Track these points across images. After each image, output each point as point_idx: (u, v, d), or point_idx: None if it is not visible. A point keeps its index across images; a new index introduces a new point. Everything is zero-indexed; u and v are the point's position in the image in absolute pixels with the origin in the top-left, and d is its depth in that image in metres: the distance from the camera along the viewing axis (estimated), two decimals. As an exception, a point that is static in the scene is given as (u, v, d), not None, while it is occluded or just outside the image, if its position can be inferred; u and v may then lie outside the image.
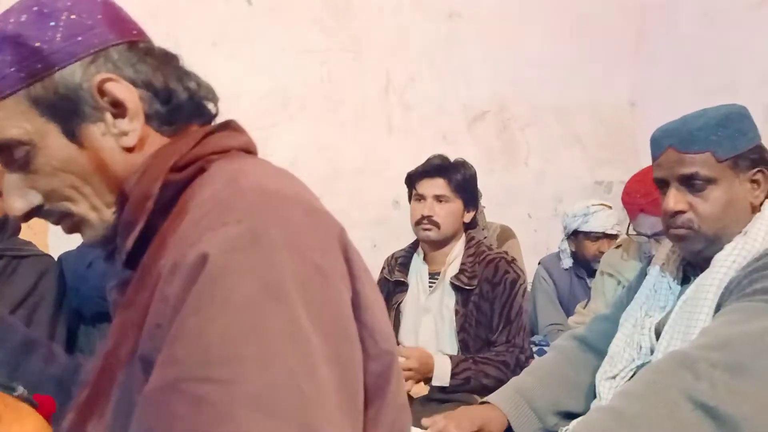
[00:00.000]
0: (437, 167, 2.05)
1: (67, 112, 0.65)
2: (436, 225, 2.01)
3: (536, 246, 3.30)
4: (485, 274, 1.98)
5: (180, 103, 0.69)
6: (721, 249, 1.20)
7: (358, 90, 3.00)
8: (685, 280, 1.31)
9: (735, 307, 1.10)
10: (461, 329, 1.96)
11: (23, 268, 1.88)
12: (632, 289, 1.42)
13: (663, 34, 3.53)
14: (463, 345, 1.97)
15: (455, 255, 2.04)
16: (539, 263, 2.85)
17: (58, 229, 0.71)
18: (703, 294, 1.18)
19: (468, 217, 2.08)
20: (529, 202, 3.39)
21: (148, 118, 0.68)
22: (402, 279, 2.08)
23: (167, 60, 0.70)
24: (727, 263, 1.17)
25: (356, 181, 2.89)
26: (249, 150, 0.71)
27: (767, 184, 1.22)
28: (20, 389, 0.62)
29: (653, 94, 3.54)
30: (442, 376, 1.86)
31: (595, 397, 1.31)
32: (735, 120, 1.20)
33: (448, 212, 2.02)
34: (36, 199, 0.68)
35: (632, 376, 1.25)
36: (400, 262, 2.13)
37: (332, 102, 2.89)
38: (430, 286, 2.04)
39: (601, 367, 1.33)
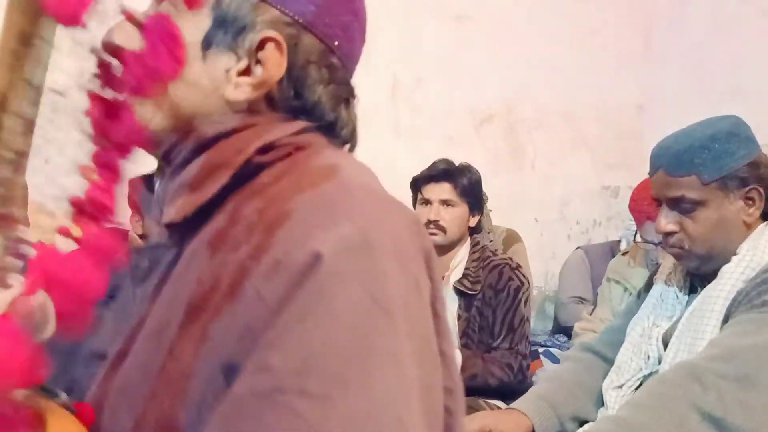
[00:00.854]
0: (443, 171, 2.05)
1: (228, 27, 0.61)
2: (443, 229, 2.01)
3: (542, 250, 3.29)
4: (489, 280, 1.98)
5: (318, 115, 0.64)
6: (718, 264, 1.21)
7: (365, 92, 2.97)
8: (692, 290, 1.31)
9: (744, 318, 1.10)
10: (463, 334, 1.96)
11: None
12: (641, 298, 1.42)
13: (671, 38, 3.52)
14: (466, 350, 1.97)
15: (459, 259, 2.04)
16: (578, 248, 2.86)
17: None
18: (710, 305, 1.18)
19: (473, 222, 2.08)
20: (535, 205, 3.38)
21: (270, 99, 0.63)
22: (408, 283, 2.08)
23: (344, 85, 0.66)
24: (735, 275, 1.17)
25: (363, 182, 2.89)
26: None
27: (762, 201, 1.21)
28: (63, 396, 0.60)
29: (661, 98, 3.53)
30: None
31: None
32: (721, 140, 1.19)
33: (454, 216, 2.02)
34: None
35: (639, 386, 1.25)
36: (406, 265, 2.13)
37: (339, 104, 2.89)
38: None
39: (607, 377, 1.33)
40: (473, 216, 2.08)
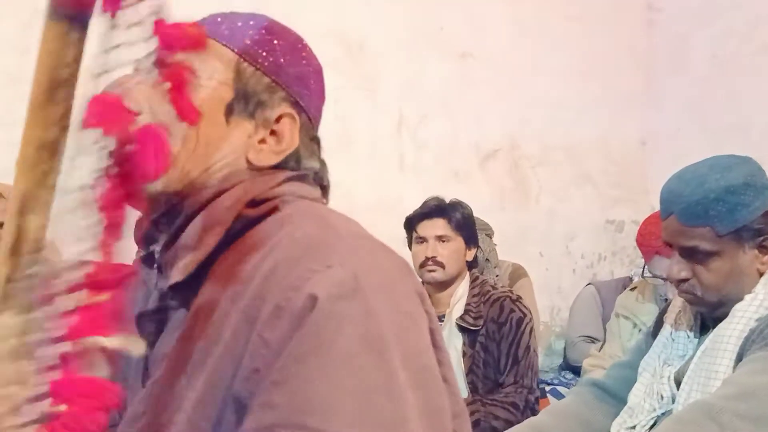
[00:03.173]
0: (436, 208, 2.06)
1: (248, 100, 0.70)
2: (441, 265, 2.01)
3: (548, 284, 3.28)
4: (491, 314, 1.97)
5: (311, 176, 0.73)
6: (730, 309, 1.20)
7: (371, 128, 3.03)
8: (703, 328, 1.30)
9: (759, 356, 1.10)
10: (469, 371, 1.95)
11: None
12: (650, 336, 1.41)
13: (673, 74, 3.56)
14: (472, 387, 1.95)
15: (460, 295, 2.03)
16: (589, 284, 2.84)
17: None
18: (722, 344, 1.17)
19: (470, 255, 2.08)
20: (540, 240, 3.38)
21: (276, 165, 0.71)
22: (410, 322, 2.07)
23: (319, 151, 0.76)
24: (748, 313, 1.17)
25: (369, 217, 2.85)
26: (316, 201, 0.73)
27: None
28: None
29: (663, 134, 3.55)
30: None
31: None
32: (736, 193, 1.17)
33: (451, 251, 2.03)
34: (138, 107, 0.67)
35: (653, 426, 1.23)
36: (408, 305, 2.11)
37: (345, 139, 2.91)
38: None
39: (619, 417, 1.31)
40: (469, 249, 2.08)
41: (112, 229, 0.60)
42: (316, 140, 0.75)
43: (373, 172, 3.01)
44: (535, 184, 3.43)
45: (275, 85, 0.71)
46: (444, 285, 2.05)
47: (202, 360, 0.60)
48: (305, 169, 0.72)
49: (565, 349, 2.77)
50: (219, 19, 0.72)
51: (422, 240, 2.05)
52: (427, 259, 2.02)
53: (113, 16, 0.58)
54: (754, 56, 3.14)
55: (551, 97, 3.40)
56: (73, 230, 0.59)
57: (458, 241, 2.04)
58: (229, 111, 0.69)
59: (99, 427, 0.54)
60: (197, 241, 0.65)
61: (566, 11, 3.49)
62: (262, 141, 0.70)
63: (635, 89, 3.66)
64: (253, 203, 0.67)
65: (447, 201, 2.10)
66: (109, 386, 0.55)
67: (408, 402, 0.53)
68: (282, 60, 0.71)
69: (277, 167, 0.70)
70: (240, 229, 0.66)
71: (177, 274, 0.65)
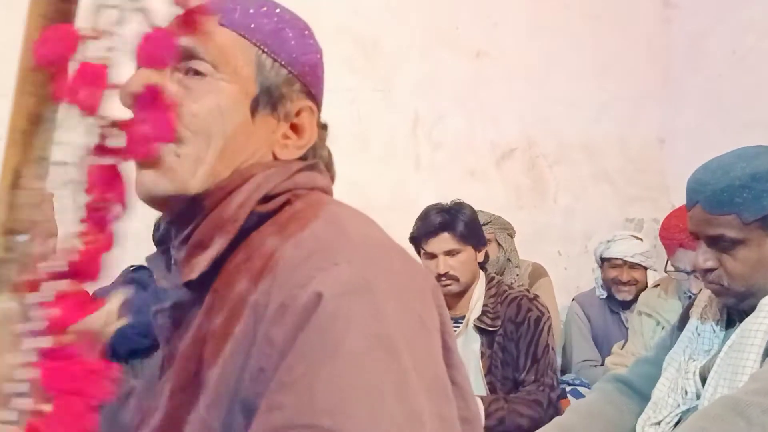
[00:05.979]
0: (439, 225, 2.00)
1: (270, 95, 0.68)
2: (455, 278, 1.98)
3: (566, 283, 3.26)
4: (508, 314, 1.96)
5: (318, 171, 0.71)
6: (757, 300, 1.18)
7: (386, 128, 3.03)
8: (729, 323, 1.28)
9: (786, 351, 1.08)
10: (488, 371, 1.94)
11: (59, 304, 1.90)
12: (675, 331, 1.39)
13: (690, 71, 3.52)
14: (491, 388, 1.93)
15: (477, 298, 2.01)
16: (573, 300, 2.82)
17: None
18: (750, 339, 1.16)
19: (481, 257, 2.05)
20: (558, 239, 3.36)
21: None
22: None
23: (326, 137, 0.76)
24: (775, 307, 1.15)
25: (385, 217, 2.84)
26: (327, 191, 0.72)
27: None
28: None
29: (682, 131, 3.52)
30: None
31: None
32: (762, 179, 1.16)
33: (462, 263, 1.99)
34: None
35: (678, 422, 1.22)
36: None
37: (361, 139, 2.91)
38: (454, 331, 2.01)
39: (643, 413, 1.30)
40: (479, 252, 2.05)
41: (101, 212, 0.57)
42: (324, 127, 0.74)
43: (388, 172, 3.01)
44: (553, 183, 3.41)
45: (292, 77, 0.69)
46: (461, 293, 2.03)
47: (214, 359, 0.59)
48: (319, 158, 0.72)
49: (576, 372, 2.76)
50: (231, 6, 0.68)
51: (431, 256, 2.02)
52: (440, 275, 1.98)
53: None
54: (773, 50, 3.10)
55: (568, 95, 3.38)
56: (64, 209, 0.55)
57: (467, 251, 2.01)
58: (255, 106, 0.67)
59: (86, 427, 0.50)
60: (210, 238, 0.64)
61: (582, 9, 3.47)
62: (285, 136, 0.69)
63: (653, 86, 3.63)
64: (266, 198, 0.65)
65: (447, 208, 2.04)
66: (99, 372, 0.51)
67: (422, 405, 0.52)
68: (295, 50, 0.69)
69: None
70: (253, 225, 0.65)
71: (190, 272, 0.64)
